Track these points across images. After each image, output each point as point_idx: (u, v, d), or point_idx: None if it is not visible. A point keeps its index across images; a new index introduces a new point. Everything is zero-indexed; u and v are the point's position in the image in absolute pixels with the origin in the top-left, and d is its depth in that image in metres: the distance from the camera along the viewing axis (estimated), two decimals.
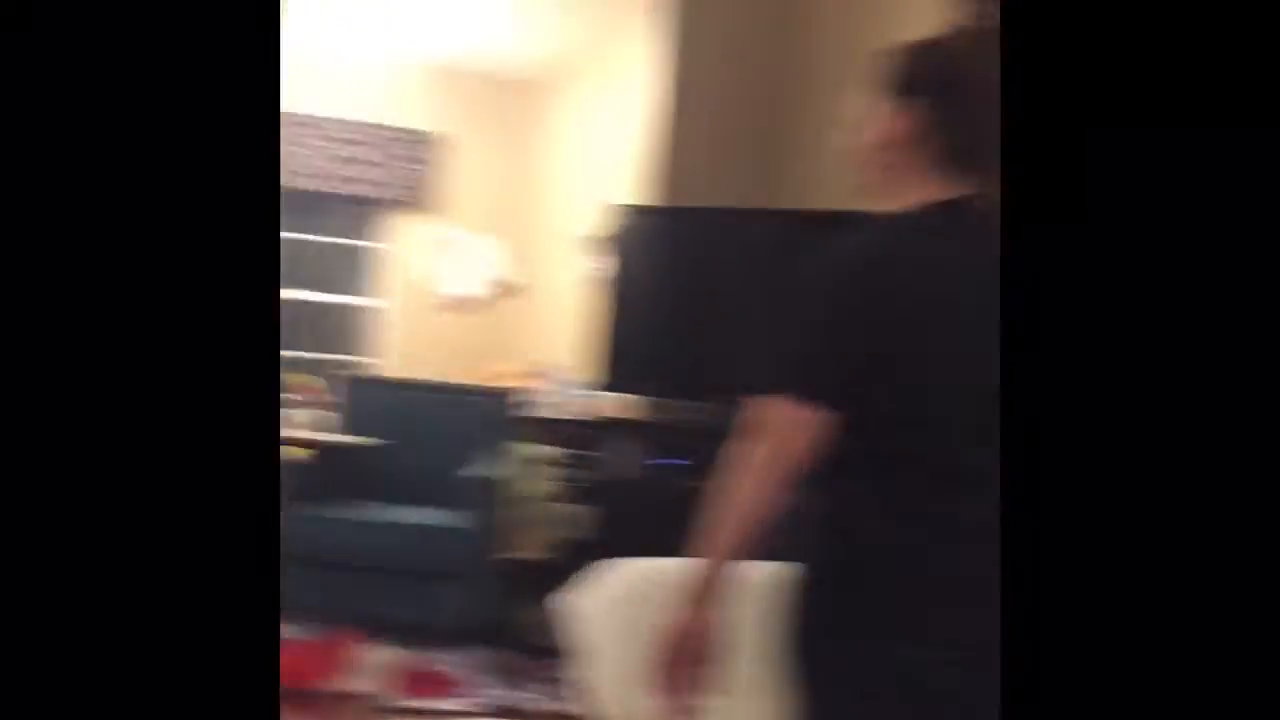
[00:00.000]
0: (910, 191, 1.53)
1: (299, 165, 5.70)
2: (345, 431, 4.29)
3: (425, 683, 3.37)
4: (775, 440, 1.42)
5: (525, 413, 4.41)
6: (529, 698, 3.32)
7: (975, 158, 1.51)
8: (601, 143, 5.38)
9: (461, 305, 6.13)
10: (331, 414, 4.61)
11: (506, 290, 6.16)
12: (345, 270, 6.14)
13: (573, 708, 3.25)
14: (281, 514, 3.67)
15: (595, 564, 3.06)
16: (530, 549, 4.57)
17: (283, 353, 5.90)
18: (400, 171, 5.95)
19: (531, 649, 3.79)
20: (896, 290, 1.45)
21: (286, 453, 4.09)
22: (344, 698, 3.25)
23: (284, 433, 4.80)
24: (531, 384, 4.94)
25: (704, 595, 1.43)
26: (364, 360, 6.07)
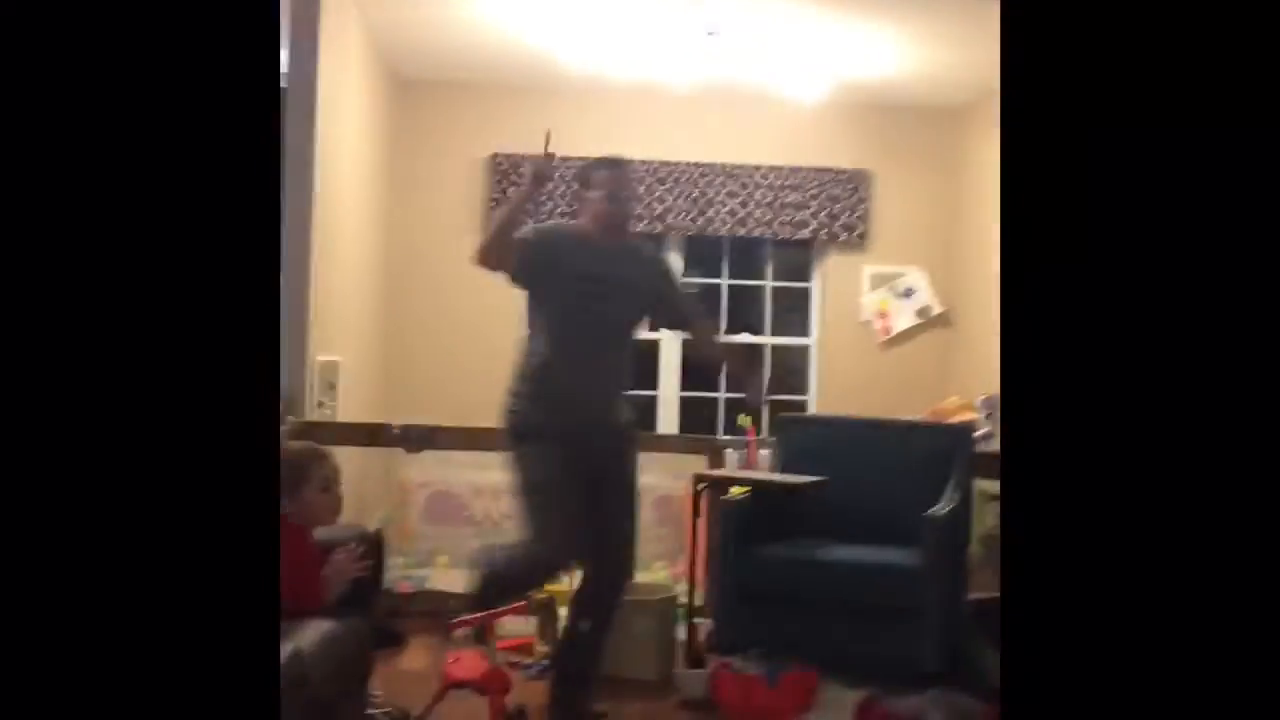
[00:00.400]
0: None
1: (739, 213, 5.99)
2: (788, 471, 4.41)
3: None
4: None
5: (975, 448, 4.34)
6: None
7: None
8: None
9: (893, 339, 6.14)
10: (769, 453, 4.75)
11: (938, 321, 6.11)
12: (786, 311, 6.34)
13: None
14: (727, 552, 3.86)
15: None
16: (988, 588, 4.48)
17: (724, 395, 6.17)
18: (834, 210, 6.07)
19: (996, 693, 3.71)
20: None
21: (731, 494, 4.27)
22: None
23: (725, 471, 5.02)
24: (973, 417, 4.85)
25: None
26: (798, 398, 6.22)
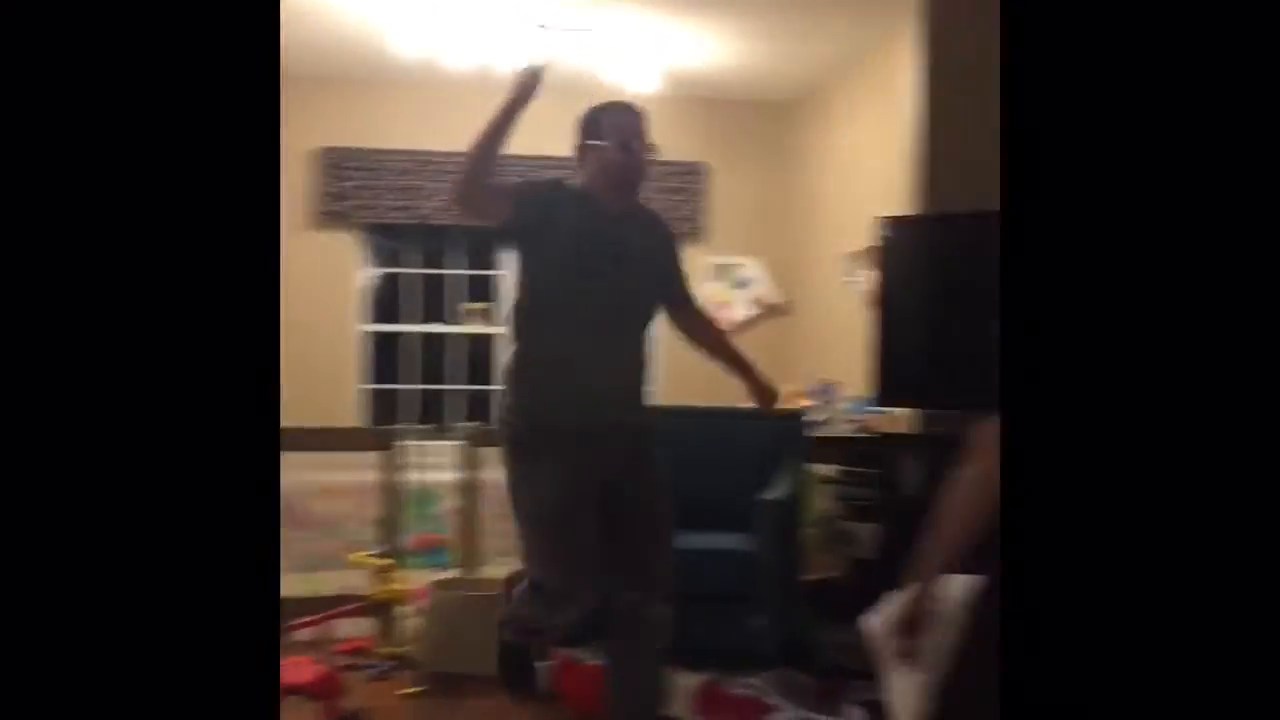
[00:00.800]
0: None
1: None
2: None
3: (730, 707, 3.45)
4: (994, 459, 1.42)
5: (808, 433, 4.45)
6: None
7: None
8: (859, 157, 5.36)
9: (735, 329, 6.24)
10: None
11: (775, 311, 6.23)
12: None
13: None
14: None
15: (891, 583, 3.07)
16: (826, 570, 4.59)
17: None
18: (670, 203, 6.13)
19: (834, 671, 3.81)
20: None
21: None
22: None
23: None
24: (808, 404, 4.97)
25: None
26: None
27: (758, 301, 6.24)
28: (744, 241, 6.23)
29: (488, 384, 6.23)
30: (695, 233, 6.18)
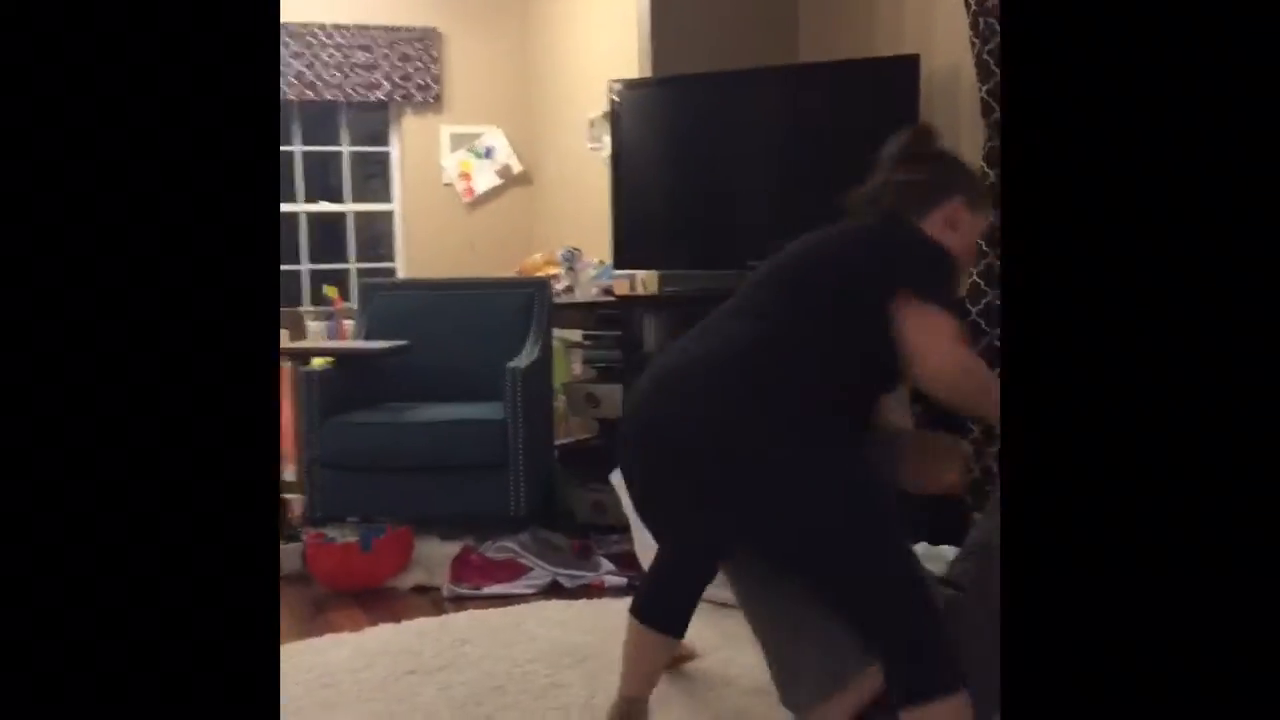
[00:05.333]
0: None
1: (307, 76, 5.75)
2: (373, 337, 4.40)
3: (487, 570, 3.52)
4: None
5: (553, 300, 4.50)
6: (586, 575, 3.47)
7: None
8: (594, 21, 5.33)
9: (477, 199, 6.18)
10: (354, 322, 4.71)
11: (519, 180, 6.20)
12: (364, 177, 6.20)
13: (625, 580, 3.41)
14: (312, 423, 3.82)
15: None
16: (577, 432, 4.71)
17: (309, 266, 6.01)
18: (406, 71, 5.95)
19: (587, 528, 3.95)
20: None
21: (315, 364, 4.21)
22: (411, 592, 3.42)
23: (308, 344, 4.93)
24: (554, 271, 5.01)
25: None
26: (389, 265, 6.16)
27: (501, 171, 6.19)
28: (484, 110, 6.14)
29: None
30: (433, 102, 6.03)
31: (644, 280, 4.40)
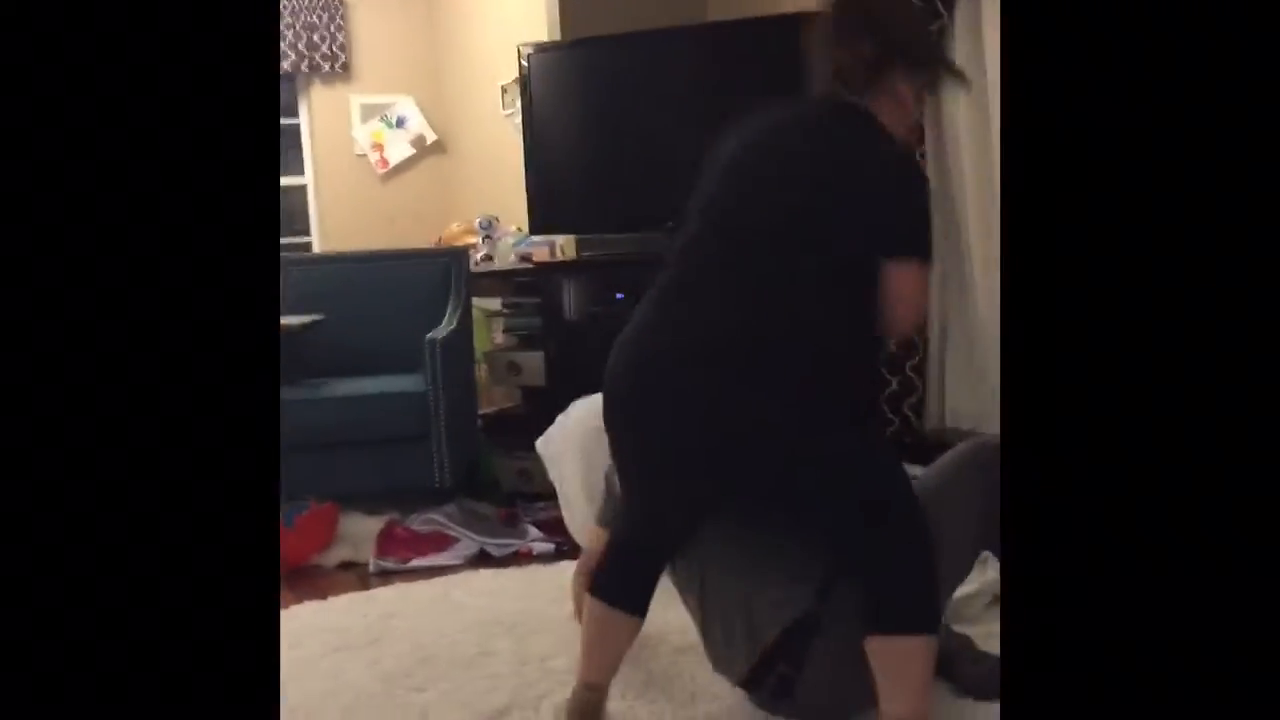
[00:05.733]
0: None
1: None
2: (288, 313, 4.32)
3: (413, 543, 3.50)
4: None
5: (471, 269, 4.46)
6: (514, 543, 3.46)
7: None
8: None
9: (391, 170, 6.09)
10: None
11: (433, 149, 6.12)
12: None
13: (553, 546, 3.41)
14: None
15: (559, 406, 3.18)
16: (500, 401, 4.68)
17: None
18: (312, 40, 5.83)
19: (513, 496, 3.93)
20: None
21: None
22: (337, 569, 3.39)
23: None
24: (472, 240, 4.96)
25: None
26: (304, 239, 6.06)
27: (415, 141, 6.11)
28: (394, 79, 6.04)
29: None
30: (341, 72, 5.92)
31: (563, 246, 4.38)
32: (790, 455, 1.83)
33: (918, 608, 1.83)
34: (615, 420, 1.97)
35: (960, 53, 3.37)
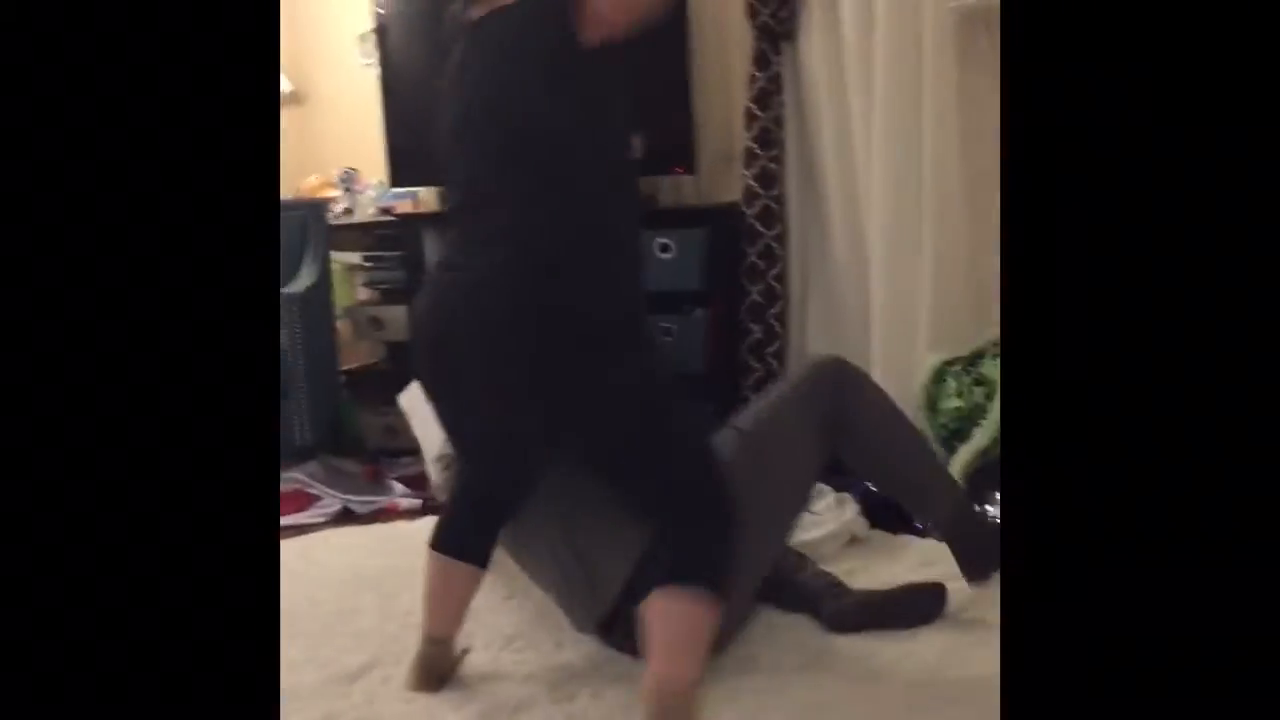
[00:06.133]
0: None
1: None
2: None
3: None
4: None
5: (331, 222, 4.36)
6: (379, 499, 3.42)
7: None
8: None
9: None
10: None
11: (290, 100, 5.94)
12: None
13: (420, 502, 3.38)
14: None
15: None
16: (363, 357, 4.60)
17: None
18: None
19: (377, 453, 3.88)
20: None
21: None
22: None
23: None
24: (331, 194, 4.85)
25: None
26: None
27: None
28: None
29: None
30: None
31: (424, 198, 4.31)
32: (600, 365, 1.79)
33: (702, 566, 1.78)
34: (430, 370, 1.94)
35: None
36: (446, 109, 1.93)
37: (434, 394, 1.99)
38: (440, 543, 2.06)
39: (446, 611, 2.07)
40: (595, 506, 2.07)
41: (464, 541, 2.05)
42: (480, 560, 2.05)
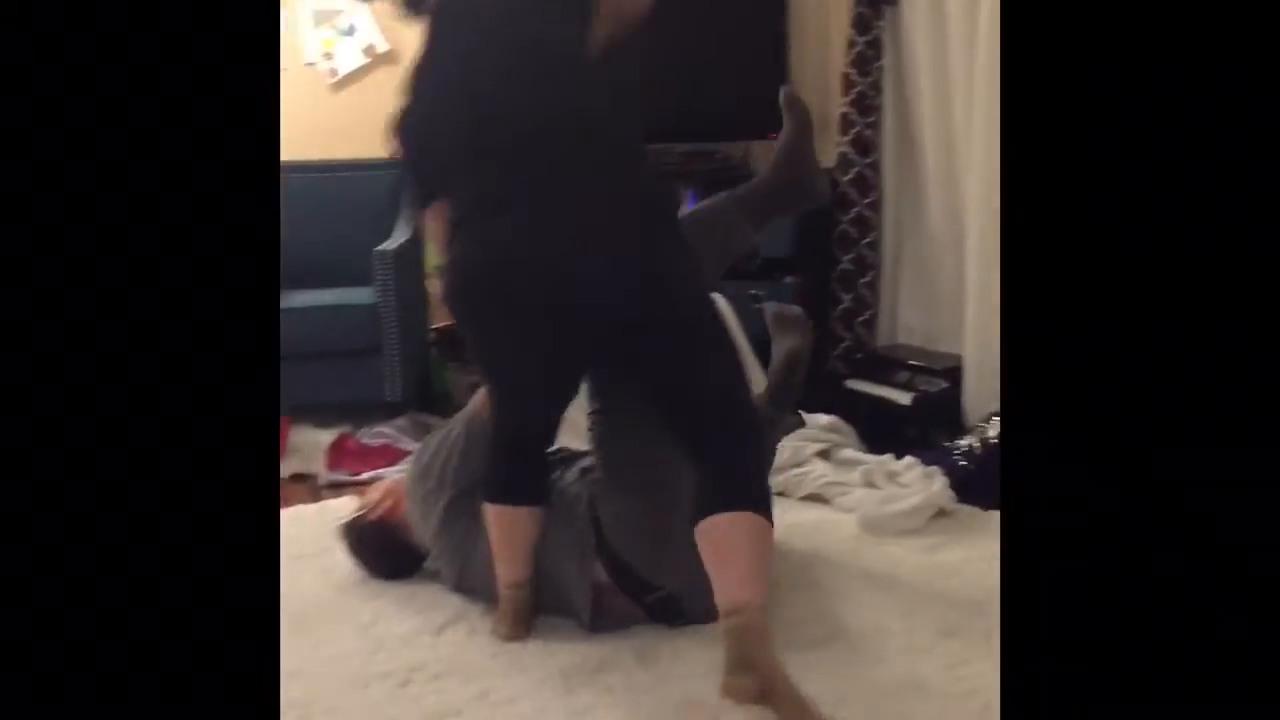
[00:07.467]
0: None
1: None
2: None
3: (364, 456, 3.50)
4: None
5: None
6: None
7: None
8: None
9: (341, 80, 5.97)
10: None
11: (385, 60, 5.99)
12: None
13: None
14: None
15: None
16: (447, 316, 4.65)
17: None
18: None
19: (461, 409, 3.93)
20: None
21: None
22: (289, 480, 3.38)
23: None
24: None
25: None
26: None
27: (367, 50, 5.97)
28: None
29: None
30: None
31: None
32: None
33: (746, 485, 1.86)
34: (473, 311, 2.00)
35: None
36: (473, 86, 2.04)
37: (476, 334, 2.06)
38: (492, 493, 2.14)
39: (516, 555, 2.15)
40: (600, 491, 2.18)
41: (513, 485, 2.13)
42: (533, 499, 2.14)
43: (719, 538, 1.79)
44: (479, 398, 2.31)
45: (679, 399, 1.93)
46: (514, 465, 2.14)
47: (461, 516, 2.25)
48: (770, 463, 2.50)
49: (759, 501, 1.83)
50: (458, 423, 2.36)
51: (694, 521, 1.82)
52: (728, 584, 1.78)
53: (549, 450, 2.21)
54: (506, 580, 2.15)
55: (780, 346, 2.54)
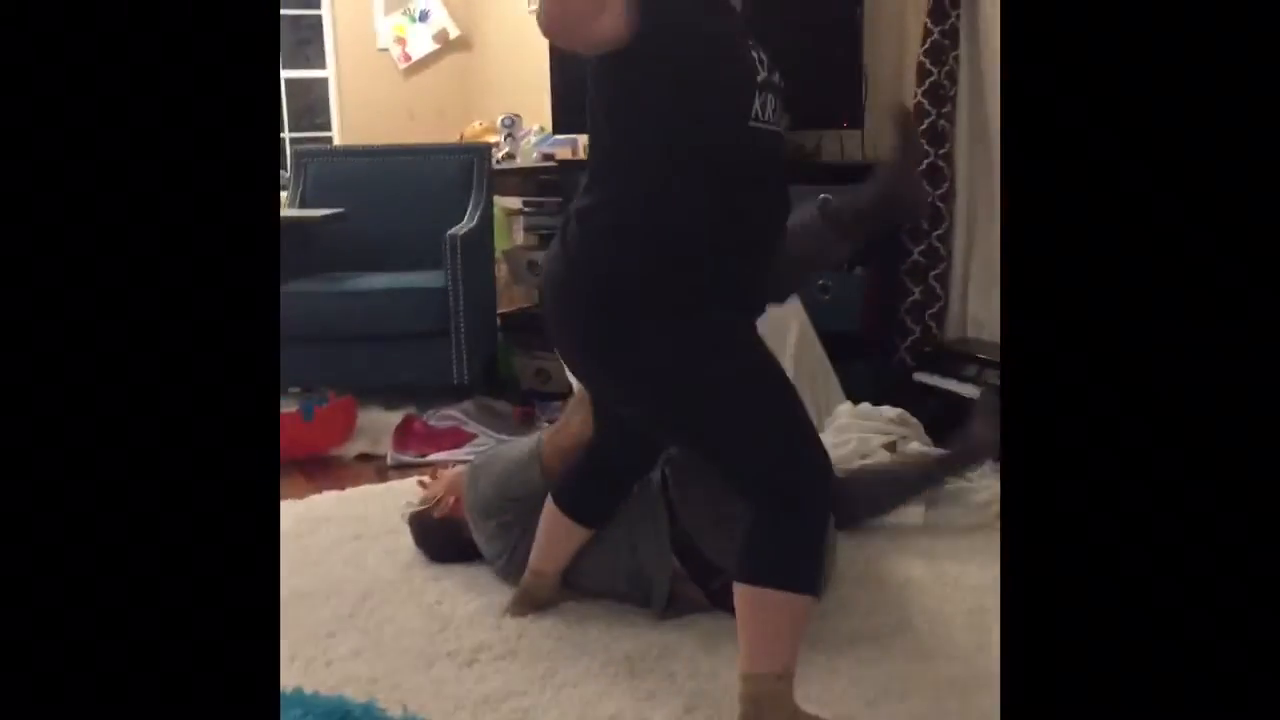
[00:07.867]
0: None
1: None
2: (308, 206, 4.30)
3: (431, 438, 3.53)
4: None
5: (493, 167, 4.42)
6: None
7: None
8: None
9: (413, 65, 6.01)
10: (286, 191, 4.60)
11: (457, 45, 6.03)
12: (295, 43, 5.99)
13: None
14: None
15: None
16: (518, 301, 4.68)
17: None
18: None
19: (529, 395, 3.95)
20: None
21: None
22: (356, 460, 3.42)
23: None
24: (494, 138, 4.91)
25: None
26: (325, 134, 6.01)
27: (438, 36, 6.01)
28: None
29: None
30: None
31: (585, 145, 4.33)
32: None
33: (758, 556, 1.70)
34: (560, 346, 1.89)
35: None
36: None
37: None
38: (556, 496, 2.17)
39: (552, 551, 2.20)
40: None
41: (580, 504, 2.16)
42: (586, 521, 2.16)
43: (736, 601, 1.73)
44: (555, 434, 2.33)
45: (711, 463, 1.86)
46: (589, 486, 2.15)
47: (514, 526, 2.30)
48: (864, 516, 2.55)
49: (769, 575, 1.69)
50: (525, 453, 2.36)
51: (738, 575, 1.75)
52: (740, 649, 1.73)
53: (634, 480, 2.17)
54: (534, 565, 2.22)
55: (972, 433, 2.50)
